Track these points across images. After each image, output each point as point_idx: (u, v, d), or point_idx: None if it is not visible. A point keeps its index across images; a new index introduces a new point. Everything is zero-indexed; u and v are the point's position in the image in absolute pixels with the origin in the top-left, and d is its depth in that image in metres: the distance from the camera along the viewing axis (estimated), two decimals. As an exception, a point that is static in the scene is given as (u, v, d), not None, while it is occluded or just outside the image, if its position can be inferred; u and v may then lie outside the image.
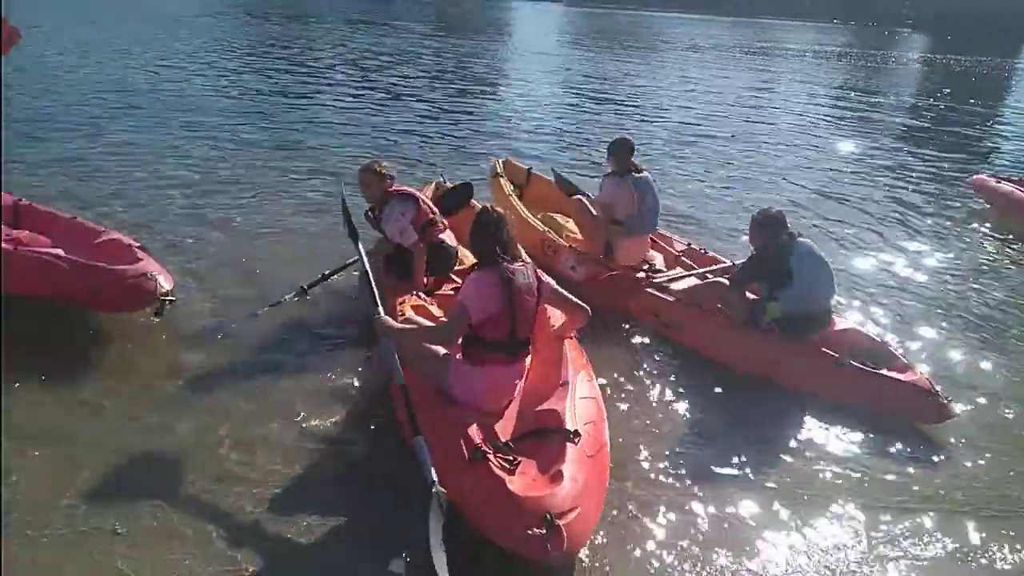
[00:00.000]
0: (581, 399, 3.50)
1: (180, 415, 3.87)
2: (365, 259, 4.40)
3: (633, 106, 15.83)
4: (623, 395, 4.40)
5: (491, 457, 2.98)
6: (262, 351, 4.58)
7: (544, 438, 3.24)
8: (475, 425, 3.21)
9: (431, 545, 2.70)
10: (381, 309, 3.82)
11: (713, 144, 12.32)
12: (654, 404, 4.37)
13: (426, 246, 4.78)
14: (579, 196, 5.92)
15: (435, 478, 2.97)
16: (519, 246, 3.56)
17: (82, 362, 4.25)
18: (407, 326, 3.78)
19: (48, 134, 9.28)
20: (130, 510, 3.14)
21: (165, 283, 4.51)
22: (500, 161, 7.15)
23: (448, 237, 5.00)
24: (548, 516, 2.69)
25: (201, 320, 4.85)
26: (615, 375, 4.58)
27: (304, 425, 3.83)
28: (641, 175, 5.63)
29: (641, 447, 3.91)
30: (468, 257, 5.05)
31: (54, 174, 7.62)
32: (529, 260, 3.59)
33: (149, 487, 3.30)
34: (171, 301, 4.50)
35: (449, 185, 6.10)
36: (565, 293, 3.71)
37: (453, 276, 5.01)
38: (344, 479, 3.48)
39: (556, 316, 3.95)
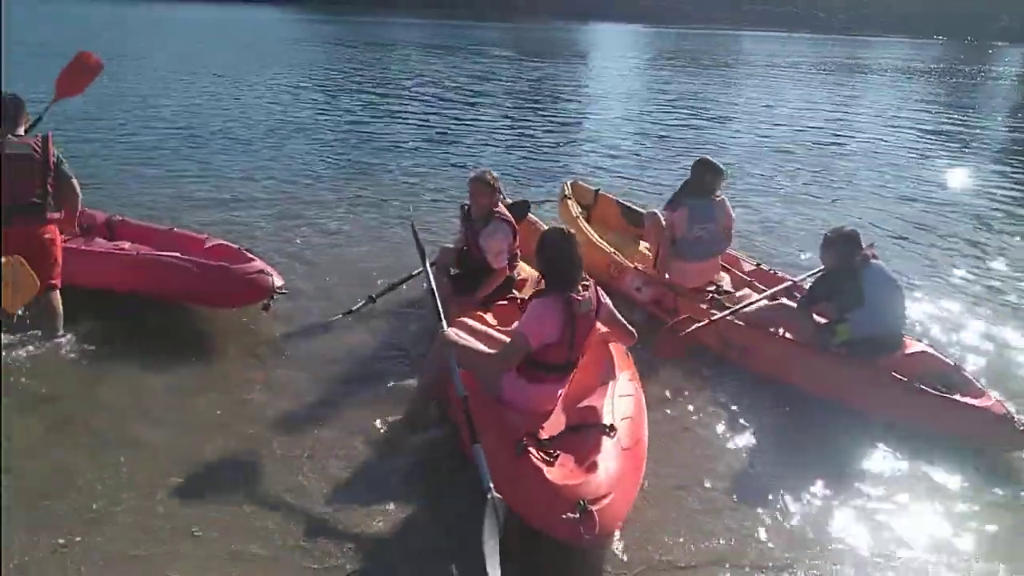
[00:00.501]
0: (620, 397, 3.67)
1: (254, 415, 4.16)
2: (431, 275, 4.57)
3: (711, 126, 15.72)
4: (683, 414, 4.42)
5: (532, 451, 3.19)
6: (332, 356, 4.87)
7: (582, 432, 3.45)
8: (520, 423, 3.45)
9: (485, 548, 2.83)
10: (445, 323, 3.98)
11: (791, 162, 12.12)
12: (716, 423, 4.35)
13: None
14: (655, 210, 5.97)
15: (491, 484, 3.09)
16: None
17: (164, 362, 4.62)
18: (468, 344, 3.88)
19: (146, 156, 10.08)
20: (203, 507, 3.38)
21: (277, 279, 5.11)
22: (568, 183, 7.26)
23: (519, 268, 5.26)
24: (581, 502, 2.87)
25: (281, 327, 5.23)
26: (675, 393, 4.60)
27: (368, 429, 4.05)
28: (711, 199, 5.57)
29: (702, 462, 3.95)
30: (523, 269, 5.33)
31: (149, 192, 8.32)
32: (590, 280, 3.68)
33: (221, 485, 3.55)
34: (282, 294, 5.12)
35: (509, 202, 6.26)
36: (618, 316, 3.86)
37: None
38: (402, 483, 3.64)
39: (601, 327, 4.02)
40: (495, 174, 5.06)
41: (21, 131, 4.61)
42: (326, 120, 13.98)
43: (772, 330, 4.96)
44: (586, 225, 6.55)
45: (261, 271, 5.06)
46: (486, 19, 56.36)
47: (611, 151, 12.41)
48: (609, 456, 3.21)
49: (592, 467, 3.12)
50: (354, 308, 5.36)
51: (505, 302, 4.96)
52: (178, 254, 5.19)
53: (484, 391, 3.72)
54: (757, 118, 17.02)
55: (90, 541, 3.14)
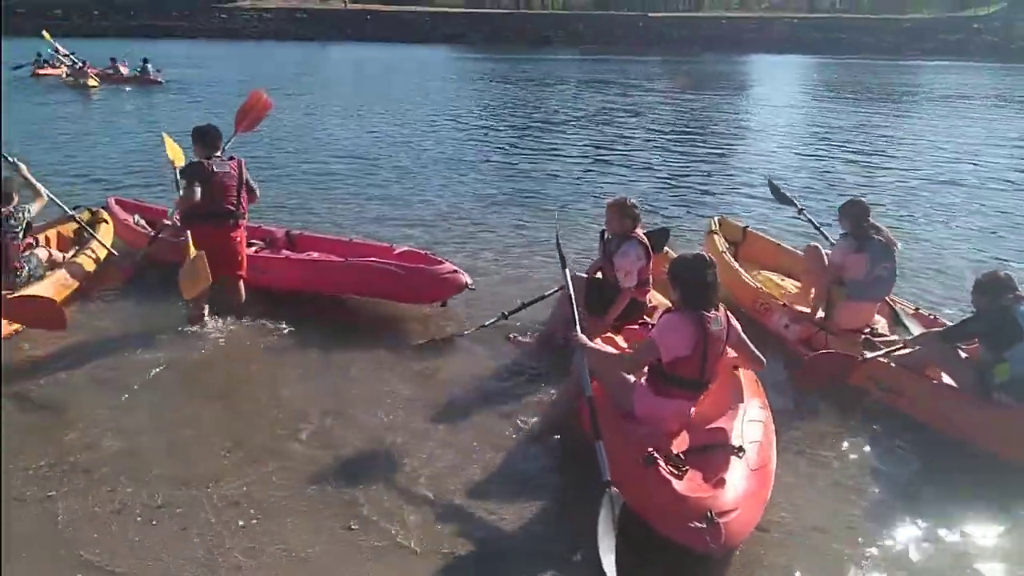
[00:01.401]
0: (750, 421, 3.84)
1: (398, 404, 4.82)
2: (571, 284, 4.87)
3: (874, 160, 15.07)
4: (816, 448, 4.41)
5: (661, 463, 3.41)
6: (465, 366, 5.44)
7: (711, 452, 3.65)
8: (650, 437, 3.69)
9: (600, 537, 3.13)
10: (579, 328, 4.31)
11: (960, 199, 11.47)
12: (853, 464, 4.31)
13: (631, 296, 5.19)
14: (815, 244, 5.95)
15: (608, 477, 3.44)
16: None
17: (329, 347, 5.60)
18: (599, 347, 4.24)
19: (325, 180, 11.48)
20: (347, 491, 3.87)
21: (467, 277, 5.97)
22: (716, 218, 7.35)
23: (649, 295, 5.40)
24: (709, 513, 3.10)
25: (427, 334, 5.93)
26: (812, 427, 4.62)
27: (495, 427, 4.56)
28: (878, 239, 5.47)
29: (832, 500, 3.94)
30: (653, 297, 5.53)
31: (329, 210, 9.74)
32: (722, 306, 3.87)
33: (363, 470, 4.09)
34: (472, 290, 6.00)
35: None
36: (748, 341, 4.00)
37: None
38: (529, 478, 4.06)
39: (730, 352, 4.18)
40: (634, 201, 5.27)
41: (219, 153, 5.75)
42: (487, 150, 15.10)
43: (926, 373, 4.84)
44: (733, 261, 6.61)
45: (455, 271, 5.97)
46: (642, 54, 56.57)
47: (763, 187, 12.19)
48: (737, 475, 3.41)
49: (720, 483, 3.34)
50: (487, 323, 5.79)
51: (636, 327, 5.15)
52: (381, 259, 6.17)
53: (616, 404, 3.98)
54: (927, 152, 16.11)
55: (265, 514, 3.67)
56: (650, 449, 3.46)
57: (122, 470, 4.00)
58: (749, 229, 7.25)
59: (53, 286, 5.95)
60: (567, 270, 5.02)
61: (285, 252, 6.76)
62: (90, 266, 6.58)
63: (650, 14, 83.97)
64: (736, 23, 79.51)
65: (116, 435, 4.35)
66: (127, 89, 25.95)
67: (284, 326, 5.84)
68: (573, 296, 4.69)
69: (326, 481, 3.97)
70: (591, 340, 4.31)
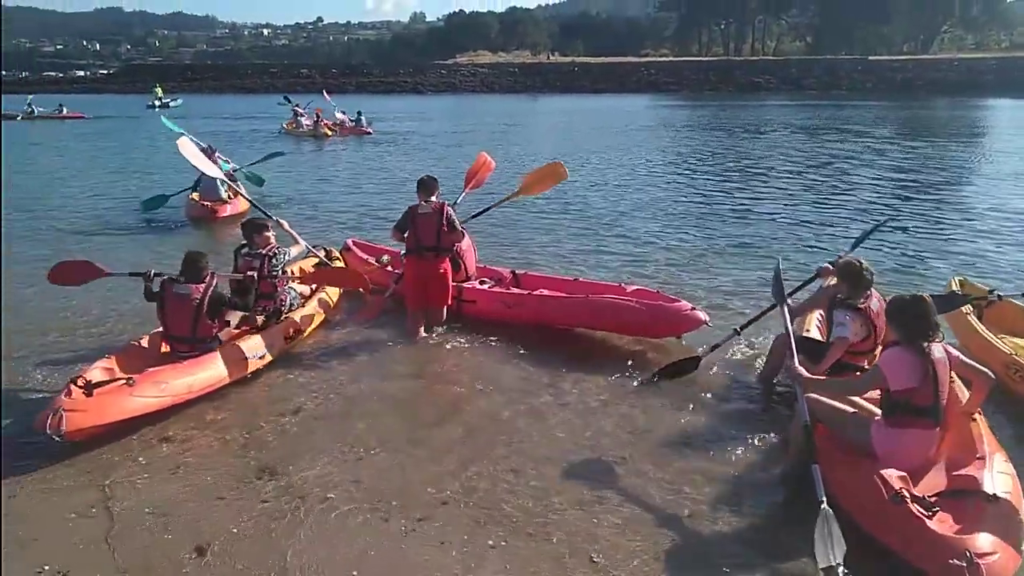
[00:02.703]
0: (999, 472, 3.87)
1: (624, 425, 5.23)
2: (788, 321, 5.08)
3: None
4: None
5: (909, 502, 3.50)
6: (699, 385, 5.81)
7: (960, 497, 3.70)
8: (892, 475, 3.74)
9: (817, 553, 3.37)
10: (796, 360, 4.56)
11: None
12: None
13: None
14: None
15: (824, 499, 3.64)
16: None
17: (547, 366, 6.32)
18: (818, 377, 4.55)
19: (539, 225, 11.97)
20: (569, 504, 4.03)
21: (704, 315, 6.40)
22: (956, 279, 6.79)
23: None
24: (968, 553, 3.18)
25: (646, 361, 6.39)
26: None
27: (719, 447, 4.86)
28: None
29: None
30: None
31: (539, 251, 10.24)
32: (939, 337, 4.02)
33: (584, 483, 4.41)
34: (708, 326, 6.37)
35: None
36: (969, 361, 4.20)
37: None
38: (748, 496, 4.32)
39: (963, 394, 4.45)
40: (867, 263, 5.05)
41: (432, 198, 6.80)
42: (695, 195, 15.27)
43: None
44: (978, 324, 6.08)
45: (693, 308, 6.44)
46: (863, 99, 53.52)
47: (1011, 245, 11.07)
48: (991, 522, 3.45)
49: (974, 527, 3.42)
50: (720, 343, 6.02)
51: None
52: (622, 296, 6.73)
53: (851, 442, 4.11)
54: None
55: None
56: (898, 488, 3.57)
57: (381, 483, 4.45)
58: (995, 293, 6.61)
59: (307, 317, 6.86)
60: (784, 306, 5.26)
61: (516, 289, 7.43)
62: (333, 300, 7.52)
63: (870, 57, 79.40)
64: (972, 64, 73.12)
65: (378, 449, 4.86)
66: (347, 138, 29.70)
67: (510, 353, 6.54)
68: (791, 329, 4.92)
69: (561, 508, 4.20)
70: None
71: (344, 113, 32.50)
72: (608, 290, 7.01)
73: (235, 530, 4.01)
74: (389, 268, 7.88)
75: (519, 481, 4.47)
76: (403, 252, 7.02)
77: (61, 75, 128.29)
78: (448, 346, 6.79)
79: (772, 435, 4.98)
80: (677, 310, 6.41)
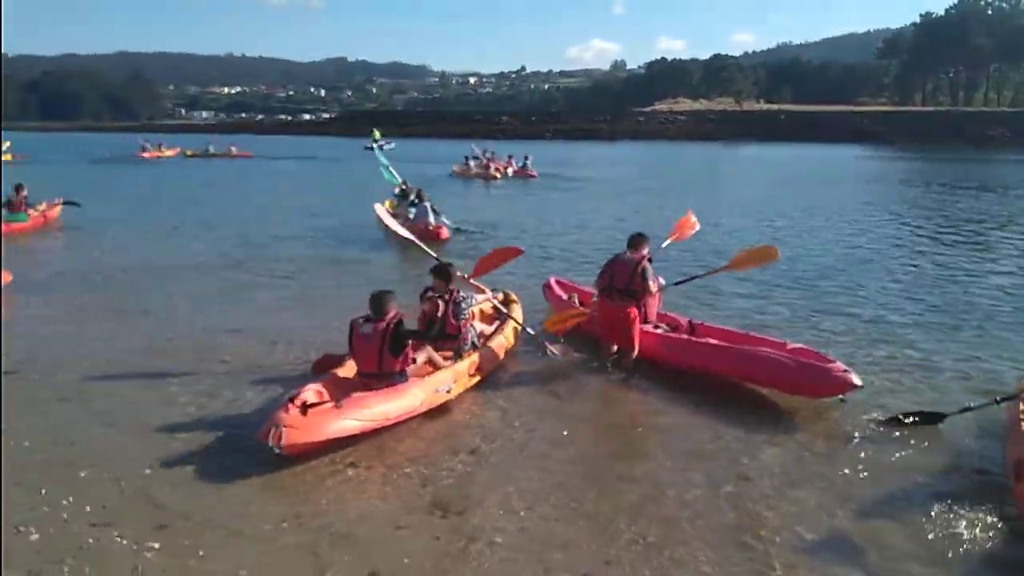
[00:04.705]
0: None
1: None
2: None
3: None
4: None
5: None
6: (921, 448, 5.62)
7: None
8: None
9: None
10: None
11: None
12: None
13: None
14: None
15: None
16: None
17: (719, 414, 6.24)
18: None
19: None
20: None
21: (856, 378, 6.14)
22: None
23: None
24: None
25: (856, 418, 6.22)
26: None
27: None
28: None
29: None
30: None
31: (717, 303, 9.87)
32: None
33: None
34: (859, 388, 6.16)
35: None
36: None
37: None
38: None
39: None
40: None
41: (645, 252, 7.35)
42: (905, 256, 14.22)
43: None
44: None
45: (844, 370, 6.21)
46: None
47: None
48: None
49: None
50: (973, 406, 5.84)
51: None
52: (776, 352, 6.70)
53: None
54: None
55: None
56: None
57: (547, 533, 4.43)
58: None
59: (487, 356, 7.11)
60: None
61: (687, 336, 7.59)
62: (511, 341, 7.81)
63: None
64: None
65: (548, 498, 4.87)
66: (515, 180, 31.91)
67: (697, 405, 6.52)
68: None
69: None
70: None
71: (511, 157, 35.13)
72: (770, 345, 7.03)
73: (407, 561, 4.14)
74: (579, 306, 8.43)
75: (690, 553, 4.25)
76: (595, 295, 7.68)
77: (290, 118, 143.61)
78: (631, 395, 6.90)
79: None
80: (828, 370, 6.27)
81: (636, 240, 7.44)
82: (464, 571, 4.07)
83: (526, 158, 34.28)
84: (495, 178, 31.74)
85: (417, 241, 8.64)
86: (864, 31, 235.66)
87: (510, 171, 33.38)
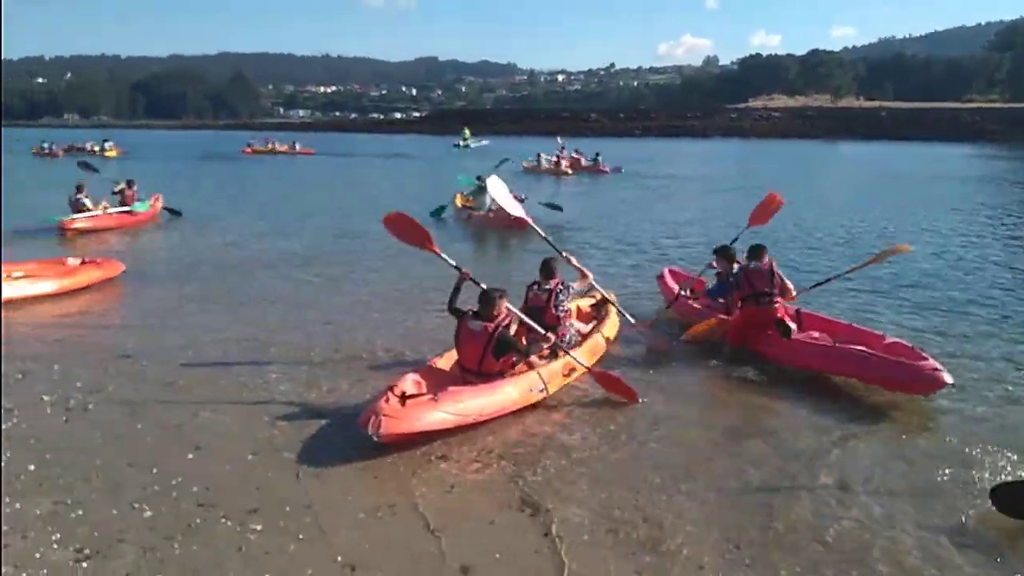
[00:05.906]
0: None
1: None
2: None
3: None
4: None
5: None
6: None
7: None
8: None
9: None
10: None
11: None
12: None
13: None
14: None
15: None
16: None
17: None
18: None
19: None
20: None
21: (948, 376, 6.12)
22: None
23: None
24: None
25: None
26: None
27: None
28: None
29: None
30: None
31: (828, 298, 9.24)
32: None
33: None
34: (952, 388, 6.20)
35: None
36: None
37: None
38: None
39: None
40: None
41: (758, 262, 7.62)
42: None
43: None
44: None
45: (936, 369, 6.19)
46: None
47: None
48: None
49: None
50: None
51: None
52: (869, 348, 6.79)
53: None
54: None
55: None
56: None
57: (634, 533, 4.38)
58: None
59: (587, 352, 7.10)
60: None
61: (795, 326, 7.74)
62: (609, 339, 7.81)
63: None
64: None
65: (633, 500, 4.80)
66: (586, 176, 32.57)
67: (805, 407, 6.49)
68: None
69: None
70: None
71: (579, 152, 36.46)
72: (869, 337, 7.19)
73: (498, 556, 4.17)
74: (691, 301, 8.86)
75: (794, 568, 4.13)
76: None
77: (382, 116, 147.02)
78: (733, 396, 6.85)
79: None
80: (919, 368, 6.28)
81: (758, 250, 7.76)
82: (550, 569, 4.06)
83: (597, 154, 35.45)
84: (566, 174, 32.43)
85: (537, 229, 8.47)
86: (974, 24, 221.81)
87: (582, 164, 34.77)
